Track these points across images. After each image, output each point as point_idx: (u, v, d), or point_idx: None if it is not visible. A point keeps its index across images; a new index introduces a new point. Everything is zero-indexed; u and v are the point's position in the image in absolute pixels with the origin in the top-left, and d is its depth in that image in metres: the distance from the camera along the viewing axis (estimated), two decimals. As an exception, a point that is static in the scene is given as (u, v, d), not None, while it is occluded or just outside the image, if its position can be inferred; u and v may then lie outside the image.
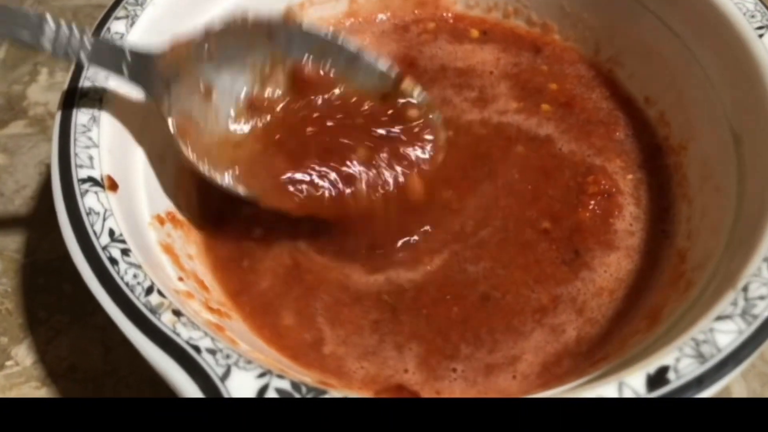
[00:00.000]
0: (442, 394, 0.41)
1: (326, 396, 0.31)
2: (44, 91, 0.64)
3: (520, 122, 0.54)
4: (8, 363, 0.48)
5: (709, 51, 0.47)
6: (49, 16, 0.35)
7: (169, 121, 0.40)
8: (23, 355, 0.48)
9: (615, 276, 0.46)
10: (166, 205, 0.45)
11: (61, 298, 0.51)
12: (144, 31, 0.46)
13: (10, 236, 0.54)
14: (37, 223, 0.55)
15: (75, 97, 0.42)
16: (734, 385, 0.47)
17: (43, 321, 0.50)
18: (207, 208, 0.49)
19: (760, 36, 0.44)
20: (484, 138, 0.53)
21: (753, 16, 0.45)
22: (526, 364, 0.43)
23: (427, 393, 0.41)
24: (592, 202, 0.49)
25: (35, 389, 0.47)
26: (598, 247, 0.47)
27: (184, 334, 0.33)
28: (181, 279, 0.40)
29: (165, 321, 0.33)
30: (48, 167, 0.58)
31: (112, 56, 0.39)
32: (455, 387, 0.42)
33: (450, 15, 0.62)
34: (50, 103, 0.63)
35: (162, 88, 0.40)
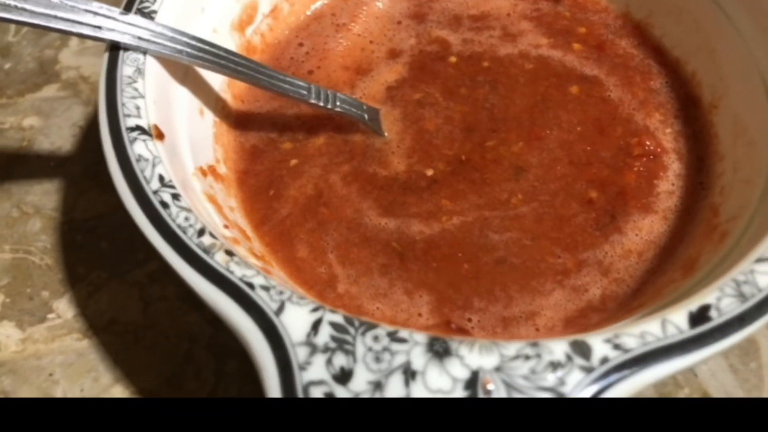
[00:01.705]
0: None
1: (378, 329, 0.32)
2: (75, 56, 0.64)
3: (560, 58, 0.54)
4: (50, 316, 0.49)
5: (742, 5, 0.48)
6: (312, 85, 0.50)
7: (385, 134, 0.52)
8: (64, 308, 0.49)
9: (646, 239, 0.45)
10: (206, 158, 0.46)
11: (99, 256, 0.52)
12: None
13: (47, 195, 0.55)
14: (73, 183, 0.56)
15: (120, 50, 0.43)
16: (761, 338, 0.47)
17: (83, 277, 0.51)
18: (242, 148, 0.51)
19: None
20: (536, 74, 0.52)
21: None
22: (545, 318, 0.42)
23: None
24: (638, 164, 0.48)
25: (77, 341, 0.48)
26: (636, 212, 0.46)
27: (237, 272, 0.34)
28: (226, 227, 0.41)
29: (218, 260, 0.34)
30: (82, 130, 0.59)
31: (356, 107, 0.52)
32: (476, 335, 0.41)
33: None
34: (82, 67, 0.64)
35: (381, 129, 0.52)
